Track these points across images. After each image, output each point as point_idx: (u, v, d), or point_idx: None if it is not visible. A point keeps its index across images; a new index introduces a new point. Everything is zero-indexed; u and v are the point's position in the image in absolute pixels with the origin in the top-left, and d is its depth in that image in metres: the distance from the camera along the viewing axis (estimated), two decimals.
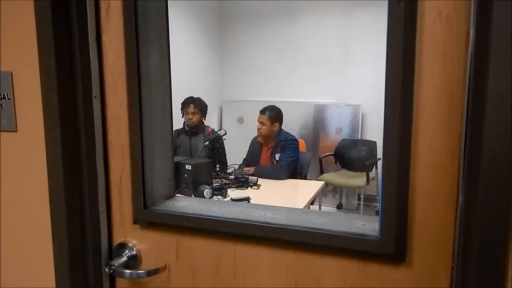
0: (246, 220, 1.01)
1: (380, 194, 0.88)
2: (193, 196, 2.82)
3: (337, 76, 5.27)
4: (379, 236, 0.90)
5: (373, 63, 5.04)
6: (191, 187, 2.86)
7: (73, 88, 1.06)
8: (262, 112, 3.59)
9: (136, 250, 1.15)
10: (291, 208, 1.10)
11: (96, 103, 1.10)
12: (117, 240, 1.18)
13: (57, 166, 1.05)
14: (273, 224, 0.98)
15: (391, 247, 0.87)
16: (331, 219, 1.00)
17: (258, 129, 3.56)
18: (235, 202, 1.04)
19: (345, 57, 5.23)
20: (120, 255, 1.15)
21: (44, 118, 1.06)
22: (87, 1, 1.05)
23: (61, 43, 1.03)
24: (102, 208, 1.15)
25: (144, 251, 1.16)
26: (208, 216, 1.05)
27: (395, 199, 0.87)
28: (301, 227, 0.96)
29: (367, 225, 0.98)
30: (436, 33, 0.82)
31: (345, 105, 5.18)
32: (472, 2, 0.79)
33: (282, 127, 3.72)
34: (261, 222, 0.99)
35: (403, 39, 0.82)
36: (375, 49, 4.97)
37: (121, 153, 1.13)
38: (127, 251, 1.16)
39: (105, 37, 1.10)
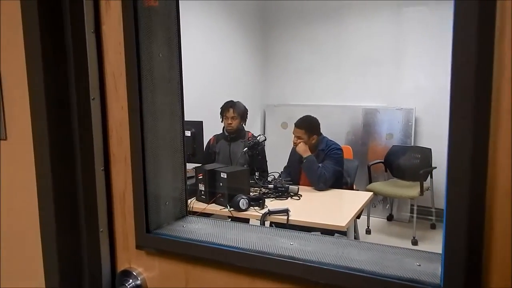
0: (267, 253, 0.80)
1: (444, 227, 0.65)
2: (228, 207, 2.65)
3: (387, 78, 4.92)
4: (441, 285, 0.66)
5: (426, 64, 4.66)
6: (227, 196, 2.68)
7: (66, 89, 0.90)
8: (297, 125, 3.31)
9: (141, 279, 0.98)
10: (324, 237, 0.88)
11: (95, 106, 0.94)
12: (121, 267, 1.01)
13: (46, 181, 0.90)
14: (300, 260, 0.77)
15: None
16: (375, 256, 0.77)
17: (294, 143, 3.31)
18: (255, 226, 0.83)
19: (395, 58, 4.88)
20: (123, 284, 0.98)
21: (32, 125, 0.91)
22: None
23: (50, 37, 0.87)
24: (102, 229, 0.98)
25: (150, 280, 0.98)
26: (221, 245, 0.85)
27: (464, 234, 0.63)
28: (335, 266, 0.74)
29: (424, 266, 0.74)
30: None
31: (397, 109, 4.83)
32: None
33: (328, 132, 3.46)
34: (285, 257, 0.78)
35: (476, 23, 0.58)
36: (428, 49, 4.61)
37: (124, 165, 0.96)
38: (131, 280, 0.98)
39: (105, 29, 0.93)
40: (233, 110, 3.54)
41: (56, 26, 0.88)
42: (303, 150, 3.20)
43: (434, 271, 0.72)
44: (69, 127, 0.92)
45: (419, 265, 0.74)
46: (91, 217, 0.96)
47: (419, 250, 0.79)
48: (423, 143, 4.71)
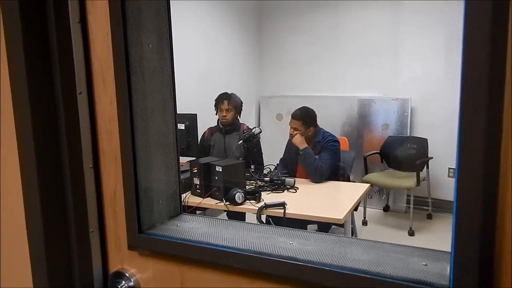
0: (266, 254, 0.76)
1: (453, 225, 0.61)
2: (224, 201, 2.61)
3: (383, 68, 4.88)
4: (450, 287, 0.62)
5: (422, 54, 4.62)
6: (222, 190, 2.64)
7: (51, 84, 0.85)
8: (294, 116, 3.26)
9: (134, 281, 0.94)
10: (325, 235, 0.84)
11: (82, 101, 0.89)
12: (113, 268, 0.97)
13: (32, 180, 0.85)
14: (300, 261, 0.73)
15: None
16: (379, 255, 0.74)
17: (290, 134, 3.25)
18: (252, 225, 0.79)
19: (391, 48, 4.83)
20: (115, 286, 0.94)
21: (15, 121, 0.86)
22: None
23: (33, 27, 0.82)
24: (93, 229, 0.94)
25: (144, 282, 0.94)
26: (218, 246, 0.81)
27: (475, 232, 0.59)
28: (338, 266, 0.70)
29: (431, 265, 0.70)
30: None
31: (392, 99, 4.79)
32: None
33: (324, 123, 3.42)
34: (284, 258, 0.74)
35: (490, 7, 0.54)
36: (424, 39, 4.56)
37: (114, 162, 0.91)
38: (123, 282, 0.94)
39: (91, 19, 0.88)
40: (228, 102, 3.49)
41: (38, 15, 0.83)
42: (300, 142, 3.16)
43: (441, 271, 0.69)
44: (54, 123, 0.87)
45: (426, 265, 0.70)
46: (81, 217, 0.92)
47: (425, 248, 0.76)
48: (419, 133, 4.69)
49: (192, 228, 0.90)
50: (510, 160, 0.57)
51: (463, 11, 0.56)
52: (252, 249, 0.78)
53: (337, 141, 3.27)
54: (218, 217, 1.08)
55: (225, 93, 3.57)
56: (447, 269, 0.67)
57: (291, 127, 3.26)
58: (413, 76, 4.71)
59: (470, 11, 0.55)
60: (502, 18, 0.54)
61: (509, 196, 0.58)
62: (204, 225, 0.92)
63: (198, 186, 2.79)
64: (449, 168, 4.61)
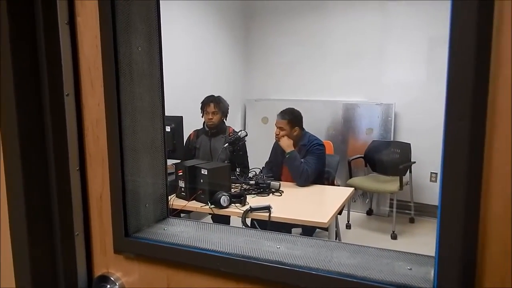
0: (253, 258, 0.77)
1: (437, 230, 0.63)
2: (209, 204, 2.60)
3: (368, 73, 4.94)
4: None
5: (406, 60, 4.70)
6: (207, 193, 2.64)
7: (38, 85, 0.84)
8: (280, 116, 3.29)
9: (119, 284, 0.93)
10: (312, 239, 0.85)
11: (69, 103, 0.88)
12: (98, 272, 0.96)
13: (16, 182, 0.84)
14: (287, 265, 0.74)
15: None
16: (365, 260, 0.75)
17: (276, 134, 3.27)
18: (239, 229, 0.79)
19: (376, 53, 4.89)
20: None
21: (0, 122, 0.84)
22: None
23: (20, 28, 0.81)
24: (78, 232, 0.93)
25: (130, 285, 0.93)
26: (205, 250, 0.81)
27: (458, 237, 0.61)
28: (324, 271, 0.71)
29: (415, 269, 0.72)
30: None
31: (376, 104, 4.85)
32: None
33: (309, 127, 3.45)
34: (272, 262, 0.75)
35: (476, 7, 0.55)
36: (408, 45, 4.64)
37: (101, 165, 0.91)
38: (108, 285, 0.93)
39: (80, 21, 0.88)
40: (214, 105, 3.49)
41: (26, 16, 0.82)
42: (286, 145, 3.18)
43: (425, 275, 0.70)
44: (41, 125, 0.86)
45: (410, 269, 0.72)
46: (66, 220, 0.91)
47: (410, 253, 0.77)
48: (402, 138, 4.76)
49: (179, 232, 0.90)
50: (493, 167, 0.59)
51: (449, 25, 0.58)
52: (240, 253, 0.79)
53: (322, 145, 3.29)
54: (202, 220, 1.08)
55: (212, 96, 3.56)
56: (431, 273, 0.69)
57: (277, 128, 3.28)
58: (397, 81, 4.78)
59: (455, 24, 0.56)
60: (486, 33, 0.56)
61: (492, 203, 0.60)
62: (191, 229, 0.92)
63: (183, 189, 2.78)
64: (431, 173, 4.68)
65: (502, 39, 0.57)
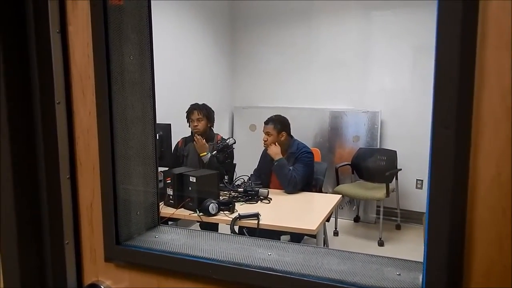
0: (244, 265, 0.77)
1: (425, 235, 0.64)
2: (198, 211, 2.60)
3: (354, 81, 5.00)
4: None
5: (391, 68, 4.77)
6: (196, 201, 2.63)
7: (29, 93, 0.84)
8: (267, 122, 3.35)
9: None
10: (302, 246, 0.86)
11: (60, 111, 0.88)
12: (88, 280, 0.96)
13: (6, 190, 0.84)
14: (279, 271, 0.74)
15: None
16: (356, 266, 0.76)
17: (264, 140, 3.31)
18: (230, 236, 0.79)
19: (362, 61, 4.96)
20: None
21: None
22: None
23: (12, 37, 0.81)
24: (68, 241, 0.93)
25: None
26: (196, 257, 0.81)
27: (445, 246, 0.62)
28: (315, 277, 0.72)
29: (404, 275, 0.73)
30: (507, 15, 0.58)
31: (363, 111, 4.90)
32: None
33: (297, 135, 3.47)
34: (263, 268, 0.76)
35: (460, 21, 0.58)
36: (393, 53, 4.71)
37: (92, 173, 0.91)
38: None
39: (71, 30, 0.88)
40: (198, 112, 3.50)
41: (18, 25, 0.82)
42: (275, 153, 3.20)
43: (414, 280, 0.72)
44: (32, 133, 0.86)
45: (399, 275, 0.73)
46: (56, 228, 0.90)
47: (398, 259, 0.79)
48: (389, 145, 4.81)
49: (170, 240, 0.91)
50: (478, 173, 0.61)
51: (435, 36, 0.60)
52: (231, 260, 0.79)
53: (311, 153, 3.31)
54: (190, 228, 1.08)
55: (196, 104, 3.58)
56: (419, 278, 0.70)
57: (264, 134, 3.31)
58: (382, 89, 4.84)
59: (441, 35, 0.58)
60: (471, 43, 0.58)
61: (477, 209, 0.62)
62: (182, 237, 0.92)
63: (171, 197, 2.77)
64: (417, 180, 4.74)
65: (487, 49, 0.59)
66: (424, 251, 0.65)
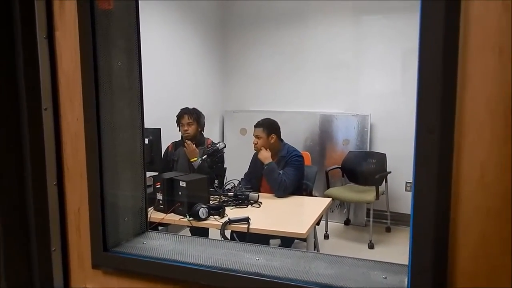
0: (232, 270, 0.77)
1: (410, 239, 0.65)
2: (188, 216, 2.59)
3: (344, 85, 5.03)
4: None
5: (381, 72, 4.81)
6: (186, 205, 2.62)
7: (16, 99, 0.84)
8: (256, 126, 3.36)
9: None
10: (290, 250, 0.86)
11: (47, 117, 0.88)
12: (75, 287, 0.95)
13: None
14: (266, 276, 0.75)
15: None
16: (342, 270, 0.77)
17: (254, 144, 3.32)
18: (219, 241, 0.80)
19: (352, 65, 5.00)
20: None
21: None
22: None
23: None
24: (55, 247, 0.92)
25: None
26: (184, 263, 0.81)
27: (430, 248, 0.63)
28: (302, 281, 0.73)
29: (390, 278, 0.74)
30: (490, 20, 0.59)
31: (353, 115, 4.93)
32: None
33: (287, 138, 3.48)
34: (251, 274, 0.76)
35: (442, 27, 0.59)
36: (384, 57, 4.76)
37: (79, 179, 0.90)
38: None
39: (58, 35, 0.88)
40: (188, 117, 3.49)
41: (5, 30, 0.82)
42: (264, 157, 3.20)
43: (400, 283, 0.72)
44: (19, 139, 0.85)
45: (385, 278, 0.74)
46: (43, 235, 0.90)
47: (385, 262, 0.80)
48: (378, 148, 4.85)
49: (158, 246, 0.90)
50: (461, 176, 0.62)
51: (418, 43, 0.61)
52: (219, 265, 0.80)
53: (301, 156, 3.32)
54: (181, 233, 1.08)
55: (186, 108, 3.57)
56: (405, 281, 0.71)
57: (254, 137, 3.31)
58: (372, 93, 4.88)
59: (424, 43, 0.60)
60: (453, 51, 0.59)
61: (461, 211, 0.63)
62: (171, 242, 0.92)
63: (161, 202, 2.75)
64: (406, 182, 4.78)
65: (469, 52, 0.60)
66: (409, 253, 0.66)
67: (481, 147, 0.61)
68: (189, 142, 3.35)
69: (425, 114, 0.60)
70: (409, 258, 0.66)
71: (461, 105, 0.61)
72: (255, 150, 3.33)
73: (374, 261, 0.81)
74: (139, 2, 0.93)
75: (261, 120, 3.39)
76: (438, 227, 0.63)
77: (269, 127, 3.30)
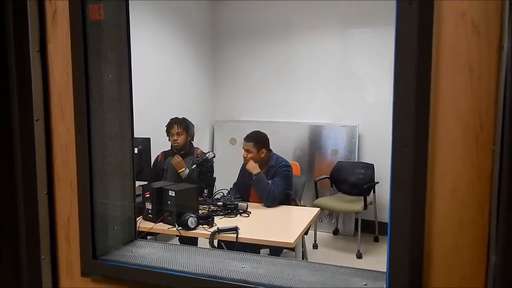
0: (219, 278, 0.80)
1: (387, 247, 0.68)
2: (177, 225, 2.60)
3: (333, 96, 5.10)
4: None
5: (369, 83, 4.89)
6: (175, 215, 2.63)
7: (8, 110, 0.86)
8: (247, 139, 3.35)
9: None
10: (275, 258, 0.89)
11: (39, 128, 0.90)
12: None
13: None
14: (252, 283, 0.77)
15: None
16: (324, 277, 0.80)
17: (244, 157, 3.32)
18: (206, 250, 0.82)
19: (341, 76, 5.07)
20: None
21: None
22: (28, 1, 0.86)
23: None
24: (44, 256, 0.93)
25: None
26: (172, 271, 0.84)
27: (406, 256, 0.67)
28: None
29: (370, 284, 0.77)
30: (459, 42, 0.63)
31: (341, 125, 5.00)
32: (505, 2, 0.61)
33: (276, 148, 3.51)
34: (237, 281, 0.78)
35: (416, 49, 0.63)
36: (371, 68, 4.84)
37: (70, 189, 0.92)
38: None
39: (51, 48, 0.91)
40: (178, 126, 3.51)
41: None
42: (253, 167, 3.22)
43: None
44: (10, 149, 0.87)
45: (365, 284, 0.77)
46: (33, 243, 0.91)
47: (365, 269, 0.83)
48: (366, 158, 4.90)
49: (147, 254, 0.92)
50: (435, 187, 0.66)
51: (393, 63, 0.65)
52: (206, 273, 0.82)
53: (289, 166, 3.35)
54: (170, 242, 1.10)
55: (176, 118, 3.60)
56: (383, 287, 0.74)
57: (244, 150, 3.32)
58: (360, 104, 4.95)
59: (398, 62, 0.63)
60: (426, 69, 0.63)
61: (435, 220, 0.66)
62: (159, 250, 0.94)
63: (150, 211, 2.76)
64: None
65: (440, 76, 0.64)
66: (387, 261, 0.69)
67: (453, 161, 0.65)
68: (176, 155, 3.38)
69: (400, 129, 0.64)
70: (386, 265, 0.69)
71: (434, 121, 0.65)
72: (244, 162, 3.35)
73: (355, 268, 0.84)
74: (130, 15, 0.96)
75: (251, 133, 3.39)
76: (414, 236, 0.66)
77: (258, 141, 3.30)
